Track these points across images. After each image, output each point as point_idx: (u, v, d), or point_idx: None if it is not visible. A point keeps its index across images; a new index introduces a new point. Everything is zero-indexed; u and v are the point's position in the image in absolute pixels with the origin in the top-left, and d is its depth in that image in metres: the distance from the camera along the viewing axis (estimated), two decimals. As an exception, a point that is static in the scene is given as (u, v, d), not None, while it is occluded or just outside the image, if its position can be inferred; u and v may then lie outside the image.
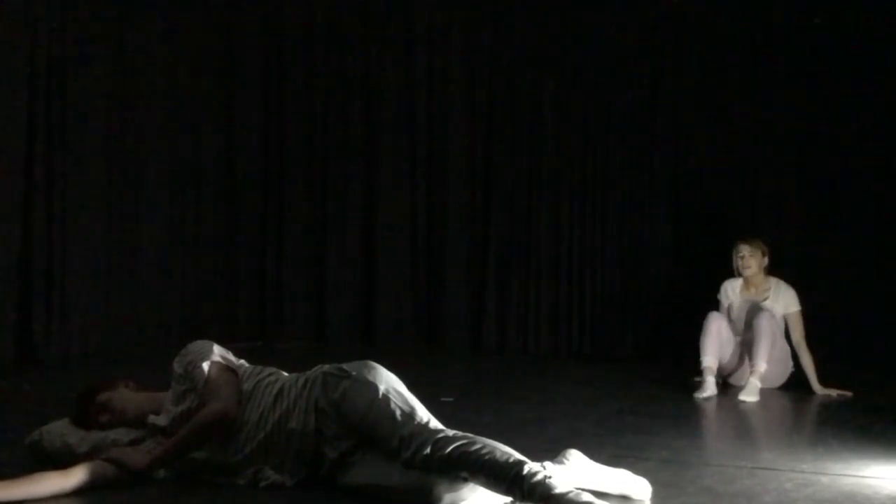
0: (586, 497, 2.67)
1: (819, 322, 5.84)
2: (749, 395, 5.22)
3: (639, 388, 5.54)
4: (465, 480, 2.86)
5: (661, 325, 6.82)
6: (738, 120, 6.80)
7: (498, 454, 2.80)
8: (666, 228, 6.92)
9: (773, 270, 5.74)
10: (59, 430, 3.40)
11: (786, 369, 5.60)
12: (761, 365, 5.31)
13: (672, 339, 6.57)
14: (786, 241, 6.37)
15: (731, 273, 5.78)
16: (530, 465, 2.76)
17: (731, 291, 5.73)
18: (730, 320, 5.66)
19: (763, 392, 5.27)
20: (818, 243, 6.62)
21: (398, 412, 3.00)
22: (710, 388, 5.27)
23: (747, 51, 6.80)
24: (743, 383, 5.38)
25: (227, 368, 3.31)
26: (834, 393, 5.35)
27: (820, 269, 6.51)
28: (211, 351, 3.33)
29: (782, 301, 5.60)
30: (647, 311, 6.91)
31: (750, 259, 5.63)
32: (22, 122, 5.89)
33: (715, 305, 5.76)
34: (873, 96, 6.51)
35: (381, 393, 3.04)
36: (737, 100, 6.80)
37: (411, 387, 3.14)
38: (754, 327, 5.40)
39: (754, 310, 5.54)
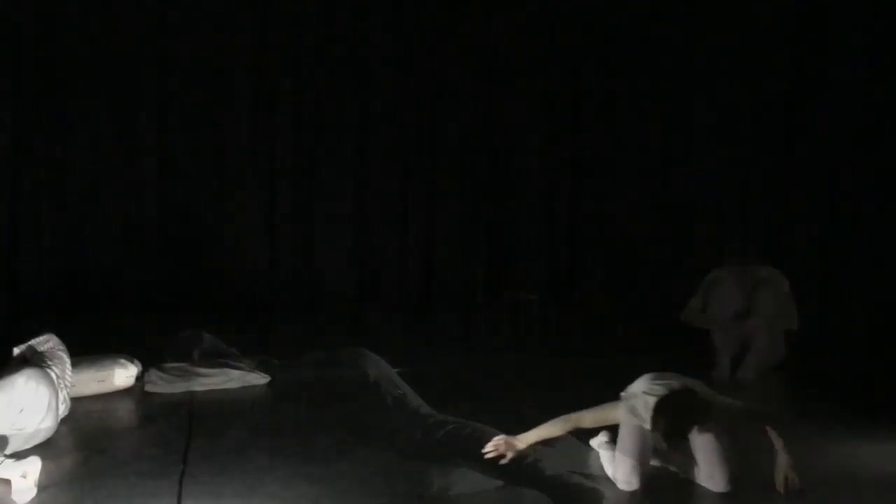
0: (576, 479, 2.69)
1: (810, 315, 5.86)
2: (747, 372, 5.25)
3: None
4: (457, 464, 2.87)
5: (655, 320, 6.81)
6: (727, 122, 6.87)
7: (489, 438, 2.81)
8: (656, 221, 6.93)
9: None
10: None
11: (780, 350, 5.59)
12: (758, 341, 5.34)
13: (667, 334, 6.57)
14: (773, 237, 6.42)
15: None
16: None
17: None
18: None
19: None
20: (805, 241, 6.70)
21: (389, 398, 3.01)
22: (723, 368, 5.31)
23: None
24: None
25: None
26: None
27: (809, 263, 6.59)
28: None
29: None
30: (640, 307, 6.91)
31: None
32: (9, 125, 5.92)
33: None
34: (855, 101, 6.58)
35: (372, 380, 3.05)
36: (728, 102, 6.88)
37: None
38: (752, 301, 5.40)
39: (752, 283, 5.52)
